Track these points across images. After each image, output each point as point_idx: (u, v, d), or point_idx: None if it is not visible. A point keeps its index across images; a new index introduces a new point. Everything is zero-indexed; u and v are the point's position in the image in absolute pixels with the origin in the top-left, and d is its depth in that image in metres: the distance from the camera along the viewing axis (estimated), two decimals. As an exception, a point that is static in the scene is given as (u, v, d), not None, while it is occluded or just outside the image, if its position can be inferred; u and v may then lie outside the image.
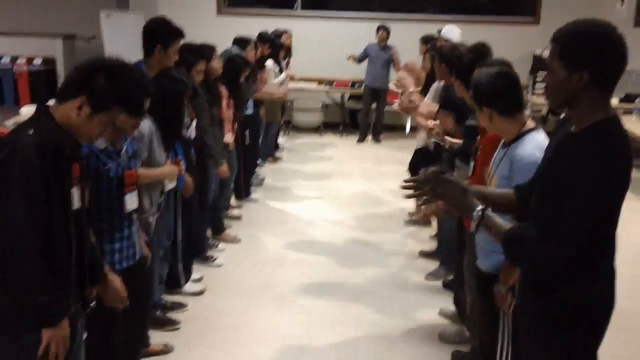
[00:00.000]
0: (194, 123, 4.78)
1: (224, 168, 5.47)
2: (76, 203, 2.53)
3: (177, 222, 4.65)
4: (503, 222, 2.27)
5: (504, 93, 2.96)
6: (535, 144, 2.85)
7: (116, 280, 2.93)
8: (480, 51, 4.04)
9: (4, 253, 2.34)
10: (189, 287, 5.02)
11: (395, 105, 5.44)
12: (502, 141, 3.06)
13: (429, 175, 2.41)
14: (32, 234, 2.31)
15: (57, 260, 2.41)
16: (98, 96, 2.44)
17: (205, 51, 5.16)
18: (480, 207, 2.29)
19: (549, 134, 2.95)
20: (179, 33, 4.42)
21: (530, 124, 3.00)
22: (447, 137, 4.54)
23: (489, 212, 2.29)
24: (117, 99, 2.50)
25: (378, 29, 10.76)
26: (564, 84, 2.16)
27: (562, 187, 2.10)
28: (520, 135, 2.94)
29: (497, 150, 3.10)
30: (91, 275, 2.72)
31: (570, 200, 2.07)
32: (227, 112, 5.82)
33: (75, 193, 2.52)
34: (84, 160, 2.68)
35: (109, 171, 3.10)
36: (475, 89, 3.02)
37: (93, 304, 2.80)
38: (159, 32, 4.36)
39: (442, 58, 4.99)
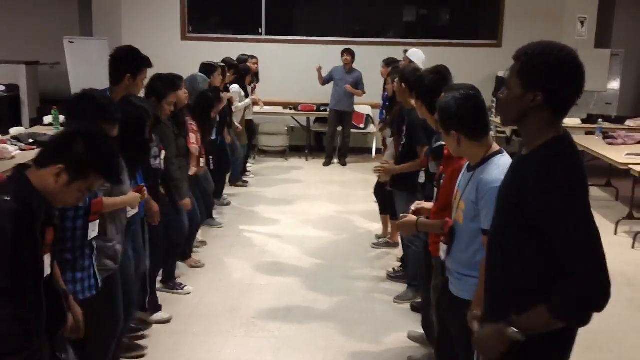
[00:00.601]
0: (163, 154, 4.76)
1: (186, 201, 5.36)
2: (47, 270, 2.52)
3: (145, 252, 4.61)
4: (532, 313, 2.18)
5: (471, 117, 2.98)
6: (501, 168, 2.83)
7: (78, 311, 2.92)
8: (441, 73, 4.08)
9: None
10: (154, 316, 4.97)
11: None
12: (467, 164, 3.08)
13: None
14: (2, 298, 2.29)
15: (30, 322, 2.40)
16: (76, 164, 2.45)
17: (175, 82, 5.12)
18: (510, 329, 2.22)
19: (512, 155, 2.97)
20: (147, 62, 4.47)
21: (495, 147, 3.01)
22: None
23: (517, 319, 2.22)
24: (96, 167, 2.50)
25: (342, 52, 10.81)
26: (517, 101, 2.20)
27: (526, 213, 2.12)
28: (485, 158, 2.95)
29: (462, 173, 3.11)
30: (59, 319, 2.71)
31: (555, 227, 2.08)
32: (195, 145, 5.79)
33: (48, 260, 2.51)
34: (56, 224, 2.66)
35: None
36: (442, 113, 3.03)
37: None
38: (129, 61, 4.40)
39: (403, 79, 5.03)
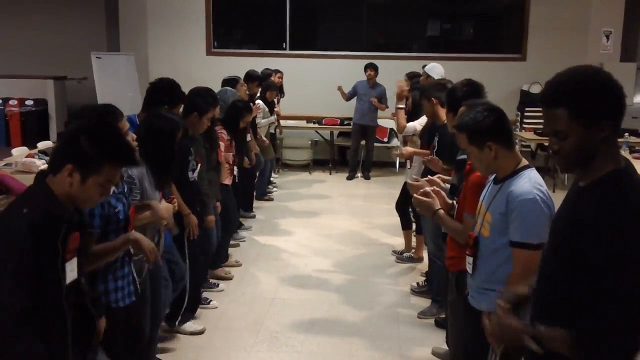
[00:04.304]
0: (199, 167, 4.82)
1: (210, 218, 5.29)
2: (73, 275, 2.50)
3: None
4: (555, 330, 2.08)
5: (502, 124, 3.00)
6: (533, 181, 2.85)
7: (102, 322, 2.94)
8: (474, 85, 4.02)
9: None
10: (187, 325, 5.02)
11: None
12: (493, 177, 3.06)
13: (494, 319, 2.31)
14: (24, 317, 2.25)
15: (53, 339, 2.38)
16: (84, 160, 2.40)
17: (215, 97, 5.14)
18: (529, 340, 2.13)
19: (538, 170, 2.95)
20: (184, 100, 4.81)
21: (524, 161, 3.01)
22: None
23: (542, 329, 2.12)
24: (105, 157, 2.44)
25: (366, 67, 10.84)
26: (583, 143, 2.03)
27: (586, 251, 1.98)
28: (515, 171, 2.94)
29: (488, 186, 3.09)
30: (90, 326, 2.74)
31: (615, 268, 1.93)
32: (227, 155, 5.86)
33: (72, 265, 2.49)
34: (86, 227, 2.68)
35: (119, 214, 3.15)
36: (473, 128, 2.99)
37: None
38: (169, 93, 4.70)
39: (429, 95, 5.00)
